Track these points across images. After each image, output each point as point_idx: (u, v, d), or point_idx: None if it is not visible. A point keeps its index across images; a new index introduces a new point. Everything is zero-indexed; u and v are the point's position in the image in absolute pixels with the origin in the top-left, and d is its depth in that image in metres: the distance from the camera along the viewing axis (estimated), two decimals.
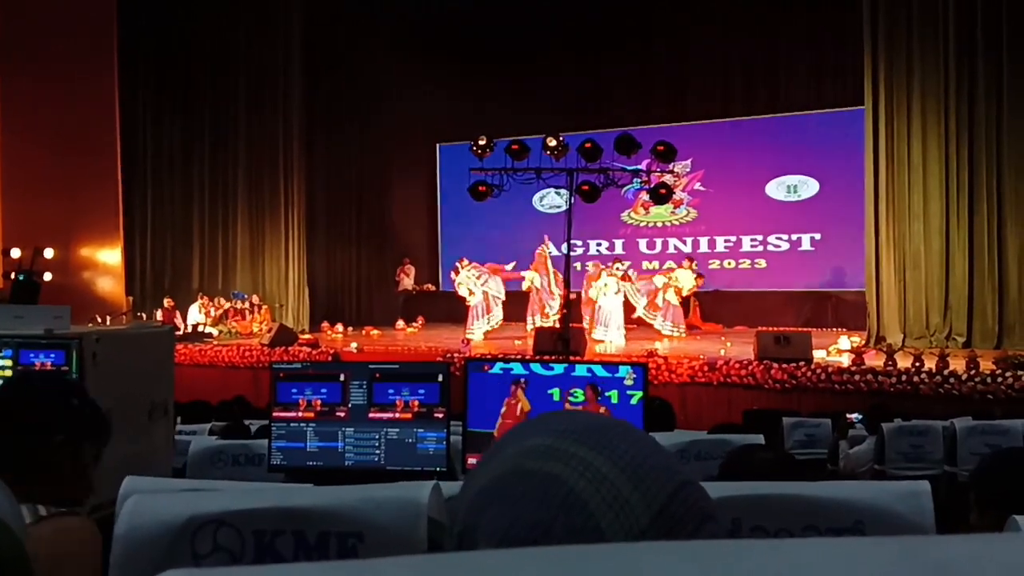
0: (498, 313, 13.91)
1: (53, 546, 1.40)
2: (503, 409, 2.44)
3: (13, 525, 1.09)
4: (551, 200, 16.79)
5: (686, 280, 13.04)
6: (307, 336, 13.55)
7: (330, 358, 10.92)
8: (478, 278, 13.83)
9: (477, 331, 13.51)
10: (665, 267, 14.57)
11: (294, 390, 2.67)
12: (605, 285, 12.68)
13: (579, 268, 14.09)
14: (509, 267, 14.37)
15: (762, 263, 15.55)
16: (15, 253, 13.36)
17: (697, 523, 0.59)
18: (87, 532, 1.50)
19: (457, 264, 14.22)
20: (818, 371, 9.20)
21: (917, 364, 8.99)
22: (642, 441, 0.63)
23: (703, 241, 15.97)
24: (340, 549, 1.02)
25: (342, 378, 2.66)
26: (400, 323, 15.91)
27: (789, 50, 15.11)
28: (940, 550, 0.40)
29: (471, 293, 13.79)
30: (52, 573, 1.33)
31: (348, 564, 0.43)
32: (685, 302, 13.45)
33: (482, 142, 11.27)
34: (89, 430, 1.68)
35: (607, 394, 2.41)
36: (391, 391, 2.62)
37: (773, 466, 1.88)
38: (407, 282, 17.59)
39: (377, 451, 2.61)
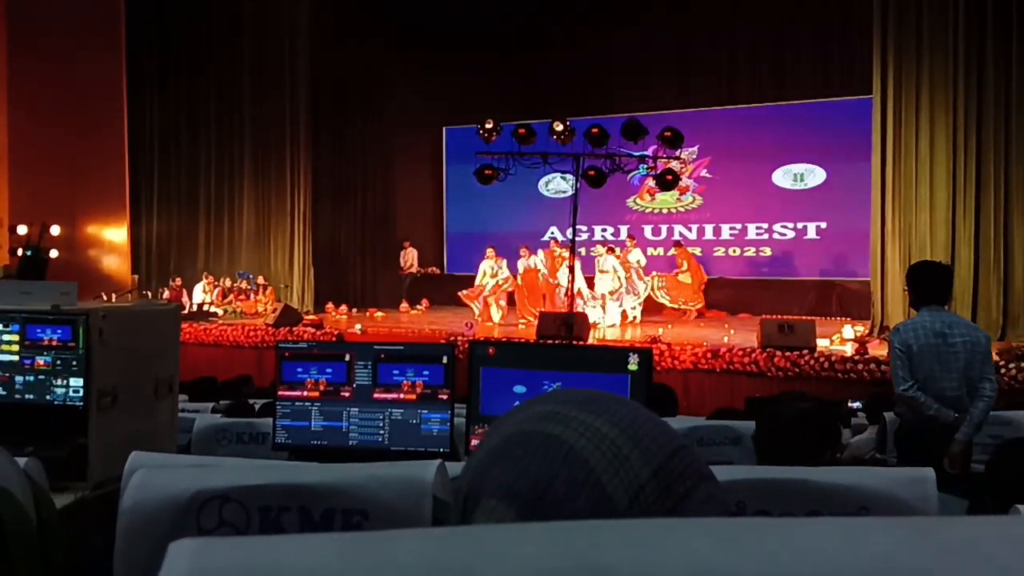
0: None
1: None
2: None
3: (18, 494, 1.09)
4: (557, 185, 16.75)
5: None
6: (311, 317, 13.58)
7: (334, 339, 10.95)
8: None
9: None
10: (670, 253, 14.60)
11: (299, 369, 2.68)
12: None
13: (584, 253, 14.06)
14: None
15: (767, 251, 15.51)
16: (22, 230, 13.40)
17: (695, 481, 0.60)
18: None
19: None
20: (821, 360, 9.20)
21: None
22: (640, 409, 0.65)
23: (708, 228, 15.92)
24: (345, 526, 1.03)
25: (347, 358, 2.67)
26: (404, 305, 15.91)
27: (797, 37, 15.00)
28: (949, 531, 0.40)
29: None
30: None
31: (354, 535, 0.43)
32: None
33: (489, 126, 11.23)
34: None
35: None
36: (396, 372, 2.63)
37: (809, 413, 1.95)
38: (411, 264, 17.57)
39: (381, 431, 2.62)
